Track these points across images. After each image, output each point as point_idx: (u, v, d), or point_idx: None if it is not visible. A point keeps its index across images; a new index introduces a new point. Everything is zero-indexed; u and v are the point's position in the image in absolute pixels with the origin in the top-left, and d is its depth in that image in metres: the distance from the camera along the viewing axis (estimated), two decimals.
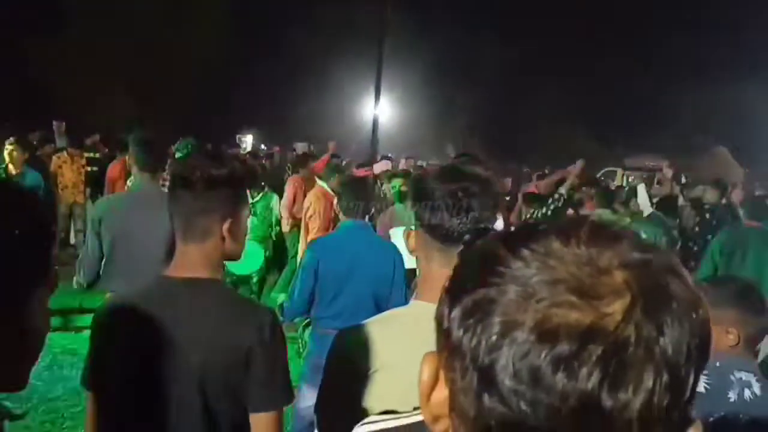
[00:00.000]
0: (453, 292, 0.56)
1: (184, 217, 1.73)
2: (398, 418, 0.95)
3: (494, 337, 0.51)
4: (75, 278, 3.57)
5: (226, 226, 1.72)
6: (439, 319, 0.57)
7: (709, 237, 6.17)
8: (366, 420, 1.01)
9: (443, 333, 0.56)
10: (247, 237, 5.73)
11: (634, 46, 26.93)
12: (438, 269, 1.52)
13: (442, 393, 0.58)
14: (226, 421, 1.69)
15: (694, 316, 0.52)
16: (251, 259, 5.58)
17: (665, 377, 0.49)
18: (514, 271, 0.53)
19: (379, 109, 20.97)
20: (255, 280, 5.86)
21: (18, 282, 0.82)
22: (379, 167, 7.35)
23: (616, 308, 0.49)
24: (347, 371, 1.52)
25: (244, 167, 2.06)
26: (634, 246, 0.54)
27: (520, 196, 7.75)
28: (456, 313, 0.54)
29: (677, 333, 0.50)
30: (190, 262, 1.73)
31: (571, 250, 0.53)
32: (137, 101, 21.91)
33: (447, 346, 0.55)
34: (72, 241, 9.12)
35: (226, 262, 5.47)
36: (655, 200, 7.62)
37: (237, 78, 24.75)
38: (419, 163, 13.51)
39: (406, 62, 22.62)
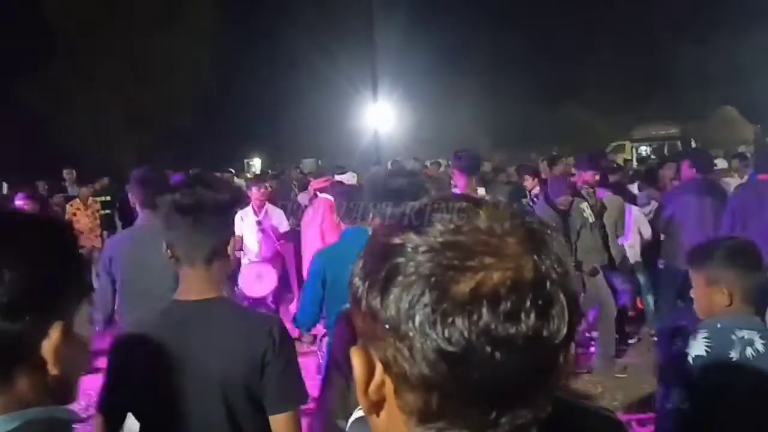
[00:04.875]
0: (380, 284, 0.60)
1: (191, 243, 1.80)
2: None
3: (444, 314, 0.57)
4: (94, 318, 3.66)
5: (230, 245, 1.83)
6: (370, 312, 0.61)
7: None
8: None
9: (379, 325, 0.60)
10: (258, 258, 5.74)
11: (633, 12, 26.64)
12: None
13: (378, 380, 0.63)
14: (249, 428, 1.78)
15: (564, 252, 0.63)
16: (265, 281, 5.63)
17: (573, 303, 0.60)
18: (430, 254, 0.59)
19: (379, 114, 21.05)
20: (270, 300, 5.91)
21: (58, 298, 0.90)
22: (345, 180, 7.08)
23: (527, 260, 0.59)
24: None
25: (237, 189, 2.19)
26: (512, 213, 0.64)
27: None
28: (392, 303, 0.59)
29: (570, 271, 0.62)
30: (199, 284, 1.81)
31: (470, 224, 0.61)
32: (141, 136, 22.02)
33: (386, 335, 0.60)
34: (95, 285, 9.26)
35: (241, 287, 5.49)
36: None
37: (237, 100, 24.85)
38: (426, 163, 13.49)
39: (400, 62, 22.65)
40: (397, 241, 0.61)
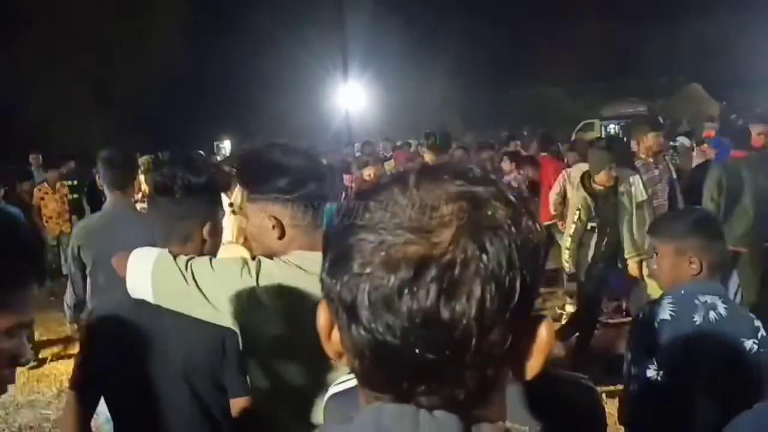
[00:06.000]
0: (325, 249, 0.66)
1: (166, 222, 1.83)
2: None
3: (353, 278, 0.60)
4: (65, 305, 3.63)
5: (206, 228, 1.82)
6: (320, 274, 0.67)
7: None
8: (339, 380, 1.10)
9: (321, 283, 0.65)
10: (234, 240, 5.69)
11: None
12: None
13: (335, 337, 0.67)
14: (216, 409, 1.80)
15: (514, 231, 0.61)
16: None
17: (492, 286, 0.58)
18: (365, 222, 0.62)
19: (350, 95, 20.97)
20: None
21: None
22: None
23: (443, 237, 0.59)
24: None
25: (220, 173, 2.18)
26: (459, 181, 0.63)
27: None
28: (326, 265, 0.65)
29: (497, 248, 0.59)
30: None
31: (406, 195, 0.62)
32: (108, 119, 21.56)
33: (325, 294, 0.65)
34: (64, 271, 9.13)
35: None
36: None
37: (206, 82, 24.47)
38: (398, 143, 13.48)
39: (370, 42, 22.52)
40: (349, 218, 0.64)
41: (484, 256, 0.58)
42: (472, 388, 0.61)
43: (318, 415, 1.47)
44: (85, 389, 1.87)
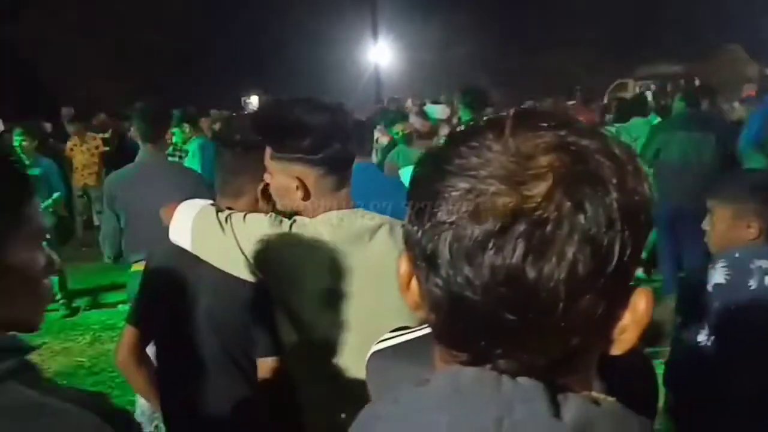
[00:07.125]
0: (410, 194, 0.62)
1: (223, 175, 1.85)
2: (411, 332, 0.99)
3: (436, 227, 0.57)
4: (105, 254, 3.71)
5: (260, 187, 1.77)
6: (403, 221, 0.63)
7: None
8: (381, 338, 1.06)
9: (404, 230, 0.62)
10: None
11: None
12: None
13: (413, 288, 0.63)
14: (243, 361, 1.81)
15: (617, 190, 0.55)
16: None
17: (587, 249, 0.53)
18: (454, 168, 0.57)
19: (379, 52, 20.74)
20: None
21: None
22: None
23: (537, 191, 0.54)
24: None
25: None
26: (562, 131, 0.57)
27: None
28: (411, 212, 0.61)
29: (596, 208, 0.54)
30: None
31: (501, 142, 0.57)
32: (137, 73, 21.56)
33: (405, 241, 0.62)
34: (96, 222, 9.24)
35: None
36: None
37: (234, 36, 24.30)
38: (425, 101, 13.32)
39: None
40: (439, 162, 0.60)
41: (581, 215, 0.53)
42: (555, 355, 0.57)
43: (354, 374, 1.43)
44: (138, 325, 1.94)
